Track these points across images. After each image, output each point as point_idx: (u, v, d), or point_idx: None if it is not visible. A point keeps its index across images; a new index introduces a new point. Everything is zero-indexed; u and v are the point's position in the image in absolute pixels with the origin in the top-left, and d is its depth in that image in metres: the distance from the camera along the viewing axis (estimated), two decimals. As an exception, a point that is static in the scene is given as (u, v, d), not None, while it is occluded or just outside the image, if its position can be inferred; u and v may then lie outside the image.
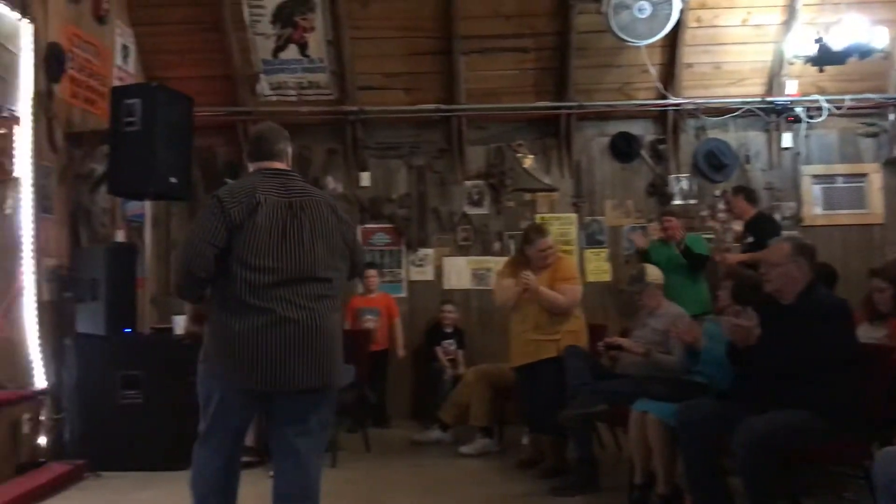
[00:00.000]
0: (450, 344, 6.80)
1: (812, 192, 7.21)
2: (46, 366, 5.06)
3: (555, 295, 4.79)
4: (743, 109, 7.06)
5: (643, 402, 4.08)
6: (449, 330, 6.86)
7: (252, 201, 2.89)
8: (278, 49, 6.89)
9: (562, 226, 7.26)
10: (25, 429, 4.81)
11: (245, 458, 4.84)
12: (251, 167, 3.14)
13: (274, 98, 7.10)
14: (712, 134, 7.22)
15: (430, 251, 7.26)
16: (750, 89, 7.06)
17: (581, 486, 4.47)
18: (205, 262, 2.86)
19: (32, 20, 5.11)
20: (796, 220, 7.13)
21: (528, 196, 7.29)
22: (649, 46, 6.53)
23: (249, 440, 5.24)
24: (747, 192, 6.32)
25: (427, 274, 7.24)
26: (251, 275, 2.86)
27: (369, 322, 6.56)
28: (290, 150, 3.19)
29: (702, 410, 3.65)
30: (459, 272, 7.24)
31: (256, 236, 2.88)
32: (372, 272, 6.79)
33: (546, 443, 4.93)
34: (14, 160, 4.94)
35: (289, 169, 3.14)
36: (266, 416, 3.09)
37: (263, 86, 7.04)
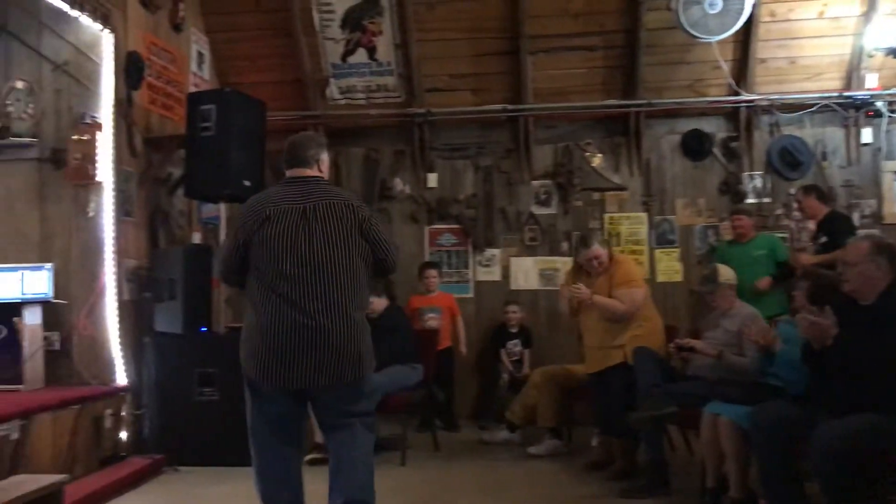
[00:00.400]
0: (514, 345, 6.77)
1: (894, 188, 6.94)
2: (127, 363, 5.24)
3: (611, 303, 4.74)
4: (819, 105, 6.86)
5: (715, 404, 4.01)
6: (514, 330, 6.83)
7: (264, 213, 3.13)
8: (347, 53, 6.99)
9: (631, 225, 7.18)
10: (108, 424, 5.00)
11: (316, 455, 4.99)
12: (287, 175, 3.32)
13: (343, 101, 7.22)
14: (787, 130, 7.03)
15: (497, 251, 7.26)
16: (827, 84, 6.85)
17: (651, 488, 4.42)
18: (230, 277, 3.28)
19: (113, 30, 5.31)
20: (877, 217, 6.89)
21: (596, 195, 7.23)
22: (721, 42, 6.40)
23: (320, 437, 5.34)
24: (819, 191, 6.13)
25: (494, 274, 7.24)
26: (265, 280, 3.09)
27: (432, 321, 6.54)
28: (323, 155, 3.33)
29: (776, 413, 3.56)
30: (527, 272, 7.22)
31: (267, 245, 3.09)
32: (432, 272, 6.78)
33: (616, 445, 4.89)
34: (97, 165, 5.14)
35: (314, 175, 3.27)
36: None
37: (333, 90, 7.16)
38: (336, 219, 3.12)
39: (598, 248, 4.84)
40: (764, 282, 5.88)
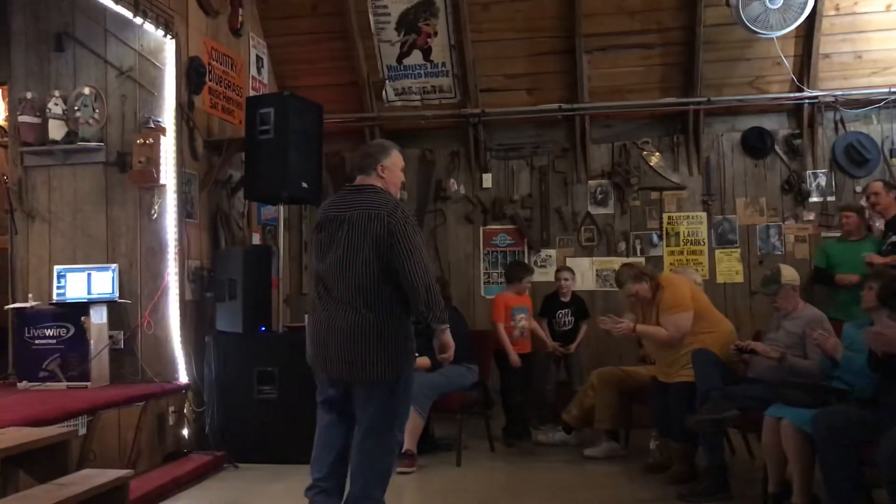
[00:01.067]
0: (565, 314, 6.51)
1: (966, 186, 6.68)
2: (189, 361, 5.36)
3: (654, 331, 4.78)
4: (887, 100, 6.64)
5: (777, 407, 3.92)
6: (565, 299, 6.55)
7: (318, 221, 3.58)
8: (403, 55, 7.04)
9: (691, 224, 7.06)
10: (171, 420, 5.13)
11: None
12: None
13: (399, 103, 7.26)
14: (852, 127, 6.83)
15: (552, 252, 7.22)
16: (895, 79, 6.63)
17: (711, 493, 4.33)
18: None
19: (175, 36, 5.43)
20: (948, 217, 6.63)
21: (654, 195, 7.13)
22: (783, 37, 6.26)
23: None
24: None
25: (550, 275, 7.16)
26: (314, 281, 3.59)
27: (524, 321, 6.26)
28: (385, 161, 3.56)
29: (842, 418, 3.47)
30: (583, 273, 7.15)
31: (316, 251, 3.55)
32: (529, 278, 6.43)
33: (675, 448, 4.81)
34: (160, 168, 5.26)
35: (368, 184, 3.55)
36: None
37: (388, 91, 7.21)
38: (363, 226, 3.37)
39: (631, 287, 4.87)
40: (853, 277, 5.56)
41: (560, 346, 6.38)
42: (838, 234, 6.30)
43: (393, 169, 3.58)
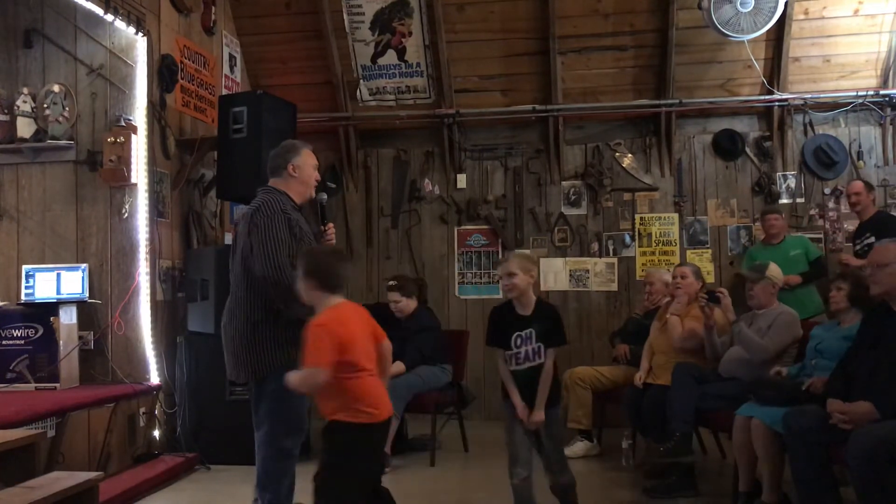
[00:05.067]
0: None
1: (932, 189, 6.81)
2: (160, 362, 5.31)
3: (677, 325, 4.91)
4: (855, 104, 6.75)
5: (748, 406, 3.97)
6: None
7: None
8: (377, 55, 7.02)
9: (663, 226, 7.12)
10: (141, 422, 5.08)
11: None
12: None
13: (373, 103, 7.25)
14: (821, 130, 6.93)
15: (526, 252, 7.23)
16: (862, 82, 6.74)
17: (677, 489, 4.39)
18: None
19: (146, 34, 5.38)
20: (914, 218, 6.75)
21: (627, 196, 7.18)
22: (753, 41, 6.34)
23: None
24: (874, 190, 5.98)
25: (524, 275, 7.21)
26: None
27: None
28: (293, 160, 3.58)
29: (812, 416, 3.52)
30: (556, 273, 7.19)
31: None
32: None
33: (652, 445, 4.86)
34: (131, 167, 5.21)
35: (269, 185, 3.58)
36: None
37: (363, 91, 7.19)
38: (243, 227, 3.42)
39: (691, 276, 5.07)
40: (794, 278, 5.82)
41: None
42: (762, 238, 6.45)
43: (304, 167, 3.58)
